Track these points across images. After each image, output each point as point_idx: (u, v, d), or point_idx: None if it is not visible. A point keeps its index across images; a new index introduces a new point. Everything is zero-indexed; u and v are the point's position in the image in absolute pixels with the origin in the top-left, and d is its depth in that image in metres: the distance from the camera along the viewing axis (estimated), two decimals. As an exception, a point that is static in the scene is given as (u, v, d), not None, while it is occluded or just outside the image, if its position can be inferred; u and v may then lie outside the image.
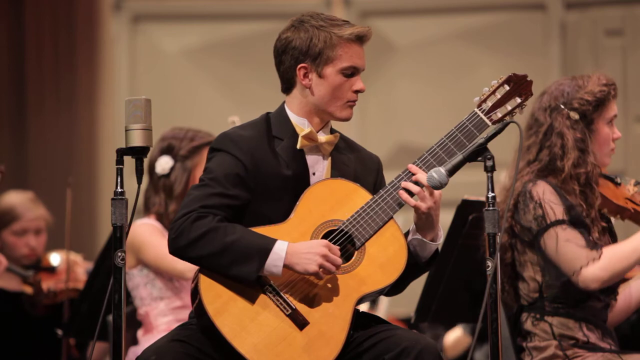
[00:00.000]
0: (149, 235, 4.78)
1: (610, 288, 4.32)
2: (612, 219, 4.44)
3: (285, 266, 3.53)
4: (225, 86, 8.97)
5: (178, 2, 9.11)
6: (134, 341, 4.96)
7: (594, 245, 4.22)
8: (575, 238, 4.22)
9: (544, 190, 4.25)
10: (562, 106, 4.32)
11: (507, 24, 8.80)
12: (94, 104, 8.93)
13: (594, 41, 8.60)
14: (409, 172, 3.66)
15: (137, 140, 3.57)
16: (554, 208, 4.23)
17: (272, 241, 3.54)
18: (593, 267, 4.19)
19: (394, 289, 3.71)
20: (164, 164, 4.91)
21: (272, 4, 8.98)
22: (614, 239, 4.36)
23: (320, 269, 3.53)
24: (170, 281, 4.89)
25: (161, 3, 9.14)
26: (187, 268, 4.69)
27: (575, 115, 4.32)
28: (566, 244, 4.21)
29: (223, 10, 9.04)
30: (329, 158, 3.75)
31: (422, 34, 8.89)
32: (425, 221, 3.64)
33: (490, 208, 3.57)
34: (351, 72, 3.69)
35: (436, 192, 3.59)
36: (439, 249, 3.73)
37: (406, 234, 3.70)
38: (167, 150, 4.92)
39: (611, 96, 4.36)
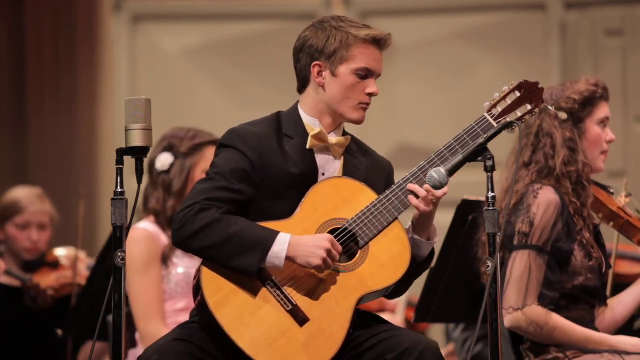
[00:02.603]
0: (134, 272, 4.79)
1: (598, 293, 4.32)
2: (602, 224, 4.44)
3: (287, 258, 3.53)
4: (225, 86, 8.97)
5: (178, 2, 9.11)
6: (133, 343, 4.96)
7: (555, 289, 4.21)
8: (540, 273, 4.20)
9: (546, 208, 4.24)
10: (550, 107, 4.32)
11: (507, 24, 8.80)
12: (94, 104, 8.93)
13: (594, 41, 8.60)
14: (416, 173, 3.66)
15: (137, 140, 3.57)
16: (543, 232, 4.22)
17: (275, 233, 3.54)
18: (532, 311, 4.18)
19: (396, 290, 3.72)
20: (164, 160, 4.92)
21: (272, 4, 8.98)
22: (601, 245, 4.36)
23: (323, 264, 3.53)
24: (167, 285, 4.88)
25: (161, 3, 9.15)
26: (145, 333, 4.74)
27: (563, 115, 4.33)
28: (520, 274, 4.20)
29: (223, 10, 9.04)
30: (342, 160, 3.75)
31: (422, 34, 8.89)
32: (423, 221, 3.66)
33: (490, 208, 3.57)
34: (365, 74, 3.70)
35: (438, 192, 3.60)
36: (434, 248, 3.74)
37: None
38: (168, 148, 4.93)
39: (599, 95, 4.35)
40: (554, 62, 8.65)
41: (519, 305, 4.17)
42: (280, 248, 3.53)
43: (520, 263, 4.19)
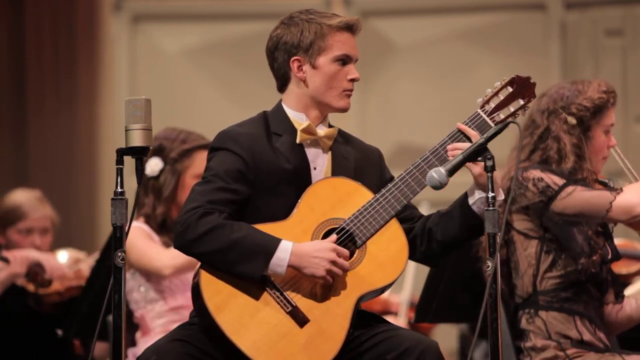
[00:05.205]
0: (133, 238, 4.77)
1: (604, 284, 4.33)
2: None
3: (290, 266, 3.53)
4: (225, 86, 8.98)
5: (178, 2, 9.12)
6: (133, 342, 4.96)
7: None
8: (590, 188, 4.23)
9: (537, 171, 4.27)
10: (560, 110, 4.32)
11: (507, 24, 8.80)
12: (94, 104, 8.93)
13: (594, 41, 8.60)
14: (412, 171, 3.65)
15: (137, 140, 3.57)
16: (555, 178, 4.25)
17: (277, 241, 3.54)
18: (624, 195, 4.20)
19: (443, 253, 3.72)
20: (153, 165, 4.89)
21: (272, 4, 8.98)
22: (610, 242, 4.36)
23: (328, 275, 3.54)
24: (162, 283, 4.88)
25: (161, 3, 9.15)
26: (164, 265, 4.73)
27: (572, 120, 4.32)
28: (587, 192, 4.21)
29: (223, 10, 9.05)
30: (329, 152, 3.75)
31: (422, 34, 8.90)
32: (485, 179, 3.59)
33: (490, 208, 3.57)
34: (344, 61, 3.71)
35: None
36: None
37: (461, 202, 3.67)
38: (158, 151, 4.90)
39: (610, 104, 4.36)
40: (554, 62, 8.65)
41: (614, 195, 4.17)
42: (282, 256, 3.53)
43: (571, 197, 4.21)
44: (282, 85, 3.78)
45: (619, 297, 4.38)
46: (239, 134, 3.68)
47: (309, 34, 3.70)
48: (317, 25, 3.70)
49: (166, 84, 8.94)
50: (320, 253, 3.54)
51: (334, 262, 3.54)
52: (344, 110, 3.74)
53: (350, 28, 3.73)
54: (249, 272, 3.52)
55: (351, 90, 3.74)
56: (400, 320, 6.74)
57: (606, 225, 4.36)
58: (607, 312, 4.38)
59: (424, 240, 3.72)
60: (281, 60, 3.73)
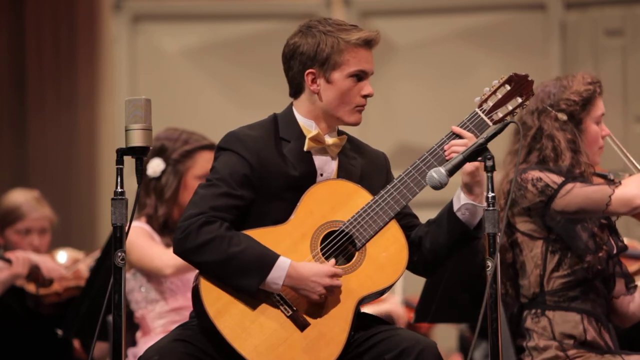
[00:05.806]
0: (134, 237, 4.77)
1: (610, 280, 4.32)
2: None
3: (285, 285, 3.53)
4: (225, 86, 8.98)
5: (178, 2, 9.12)
6: (133, 342, 4.96)
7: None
8: (589, 183, 4.23)
9: (535, 172, 4.27)
10: (550, 108, 4.32)
11: (507, 24, 8.80)
12: (94, 104, 8.93)
13: (594, 41, 8.60)
14: (411, 172, 3.66)
15: (137, 140, 3.57)
16: (553, 177, 4.24)
17: (274, 258, 3.53)
18: (623, 188, 4.20)
19: (435, 263, 3.71)
20: (155, 166, 4.88)
21: (272, 4, 8.99)
22: (615, 235, 4.36)
23: (320, 298, 3.55)
24: (162, 283, 4.87)
25: (161, 3, 9.15)
26: (165, 264, 4.72)
27: (563, 117, 4.33)
28: (586, 187, 4.21)
29: (223, 10, 9.05)
30: (337, 159, 3.75)
31: (422, 34, 8.90)
32: (474, 179, 3.61)
33: (490, 208, 3.57)
34: (359, 77, 3.69)
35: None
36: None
37: (447, 209, 3.66)
38: (160, 151, 4.89)
39: (597, 94, 4.37)
40: (554, 62, 8.65)
41: (613, 189, 4.17)
42: (278, 274, 3.53)
43: (571, 195, 4.20)
44: (295, 93, 3.75)
45: (630, 288, 4.38)
46: (247, 136, 3.67)
47: (325, 47, 3.65)
48: (335, 39, 3.66)
49: (166, 84, 8.94)
50: (317, 278, 3.54)
51: (329, 287, 3.54)
52: (355, 124, 3.73)
53: (368, 44, 3.69)
54: (245, 286, 3.53)
55: (364, 106, 3.72)
56: (394, 302, 6.69)
57: (610, 218, 4.37)
58: (619, 304, 4.37)
59: (415, 250, 3.70)
60: (296, 70, 3.71)
